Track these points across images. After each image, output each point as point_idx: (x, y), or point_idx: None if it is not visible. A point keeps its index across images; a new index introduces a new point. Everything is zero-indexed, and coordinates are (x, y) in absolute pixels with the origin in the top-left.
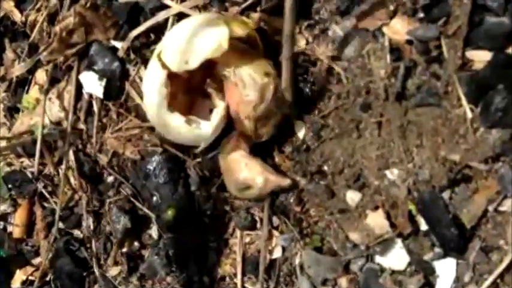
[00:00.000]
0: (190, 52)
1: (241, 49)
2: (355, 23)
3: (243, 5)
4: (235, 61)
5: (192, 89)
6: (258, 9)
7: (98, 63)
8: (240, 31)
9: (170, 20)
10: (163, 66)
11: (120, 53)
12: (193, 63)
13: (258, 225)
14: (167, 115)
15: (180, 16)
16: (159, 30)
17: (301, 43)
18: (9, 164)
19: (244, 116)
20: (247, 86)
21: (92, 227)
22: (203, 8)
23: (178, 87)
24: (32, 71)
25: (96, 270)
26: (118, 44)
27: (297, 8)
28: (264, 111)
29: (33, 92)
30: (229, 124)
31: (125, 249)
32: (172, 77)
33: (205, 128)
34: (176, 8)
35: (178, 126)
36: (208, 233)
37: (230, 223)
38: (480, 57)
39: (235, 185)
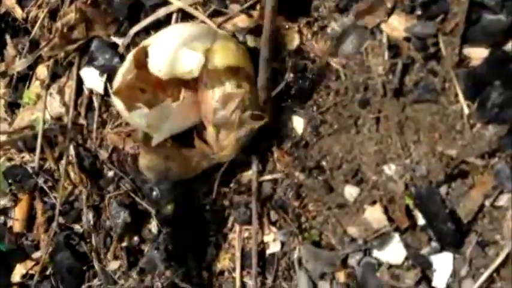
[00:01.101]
0: (165, 64)
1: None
2: (354, 20)
3: (245, 5)
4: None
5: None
6: (258, 7)
7: (99, 59)
8: (219, 62)
9: (174, 17)
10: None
11: (121, 49)
12: (165, 75)
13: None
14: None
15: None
16: (159, 26)
17: (300, 40)
18: (10, 159)
19: (208, 121)
20: (215, 91)
21: (91, 222)
22: (203, 5)
23: (148, 84)
24: (32, 67)
25: (96, 264)
26: (118, 40)
27: (276, 10)
28: (222, 119)
29: (34, 88)
30: None
31: (124, 244)
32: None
33: (143, 114)
34: (177, 4)
35: (121, 110)
36: (207, 227)
37: (229, 218)
38: (477, 54)
39: None
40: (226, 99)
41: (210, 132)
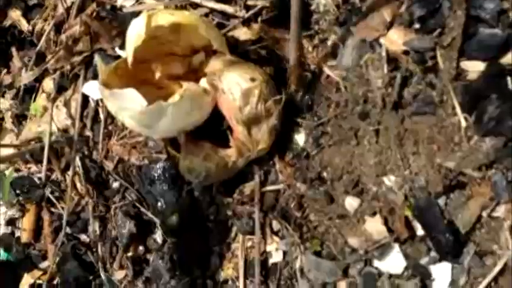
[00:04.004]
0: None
1: (228, 58)
2: (353, 34)
3: (246, 15)
4: (221, 69)
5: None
6: (259, 19)
7: None
8: (162, 21)
9: None
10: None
11: None
12: (129, 58)
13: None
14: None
15: None
16: None
17: (302, 52)
18: (17, 170)
19: (235, 121)
20: (233, 91)
21: (98, 232)
22: (205, 17)
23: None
24: (39, 79)
25: (102, 274)
26: (123, 53)
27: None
28: (250, 114)
29: (41, 100)
30: None
31: (130, 254)
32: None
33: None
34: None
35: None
36: (211, 237)
37: (232, 228)
38: (474, 68)
39: None
40: (247, 95)
41: (240, 131)
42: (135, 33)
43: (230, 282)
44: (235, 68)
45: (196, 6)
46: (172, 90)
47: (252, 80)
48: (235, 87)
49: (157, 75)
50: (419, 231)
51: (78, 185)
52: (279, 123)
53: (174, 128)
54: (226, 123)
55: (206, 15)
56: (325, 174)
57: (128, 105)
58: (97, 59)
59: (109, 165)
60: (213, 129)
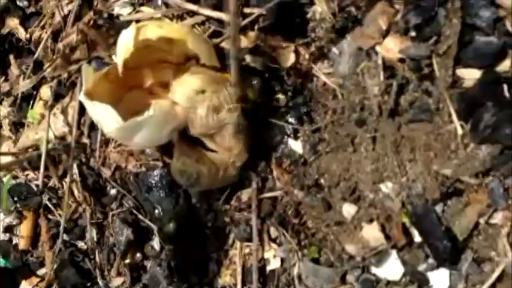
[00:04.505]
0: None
1: (194, 71)
2: (350, 42)
3: (242, 23)
4: (181, 84)
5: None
6: (256, 27)
7: None
8: (150, 34)
9: None
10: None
11: None
12: (119, 68)
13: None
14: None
15: None
16: None
17: (298, 59)
18: (15, 177)
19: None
20: (186, 105)
21: (95, 239)
22: (202, 25)
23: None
24: (36, 87)
25: (100, 281)
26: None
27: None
28: (202, 127)
29: (38, 108)
30: None
31: (127, 261)
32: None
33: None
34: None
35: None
36: (209, 244)
37: (230, 235)
38: (470, 75)
39: None
40: (195, 109)
41: (207, 141)
42: (123, 45)
43: None
44: (190, 80)
45: (193, 14)
46: (163, 97)
47: (202, 92)
48: (186, 101)
49: (150, 82)
50: (417, 238)
51: (76, 192)
52: (243, 129)
53: (153, 139)
54: None
55: (203, 23)
56: (322, 181)
57: (105, 121)
58: (83, 68)
59: (106, 173)
60: None
